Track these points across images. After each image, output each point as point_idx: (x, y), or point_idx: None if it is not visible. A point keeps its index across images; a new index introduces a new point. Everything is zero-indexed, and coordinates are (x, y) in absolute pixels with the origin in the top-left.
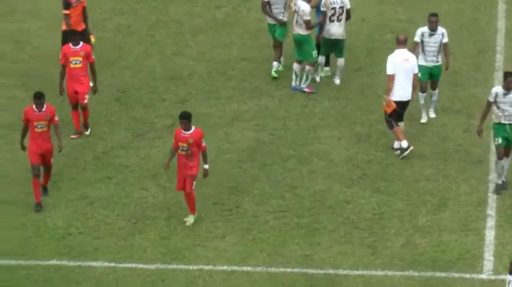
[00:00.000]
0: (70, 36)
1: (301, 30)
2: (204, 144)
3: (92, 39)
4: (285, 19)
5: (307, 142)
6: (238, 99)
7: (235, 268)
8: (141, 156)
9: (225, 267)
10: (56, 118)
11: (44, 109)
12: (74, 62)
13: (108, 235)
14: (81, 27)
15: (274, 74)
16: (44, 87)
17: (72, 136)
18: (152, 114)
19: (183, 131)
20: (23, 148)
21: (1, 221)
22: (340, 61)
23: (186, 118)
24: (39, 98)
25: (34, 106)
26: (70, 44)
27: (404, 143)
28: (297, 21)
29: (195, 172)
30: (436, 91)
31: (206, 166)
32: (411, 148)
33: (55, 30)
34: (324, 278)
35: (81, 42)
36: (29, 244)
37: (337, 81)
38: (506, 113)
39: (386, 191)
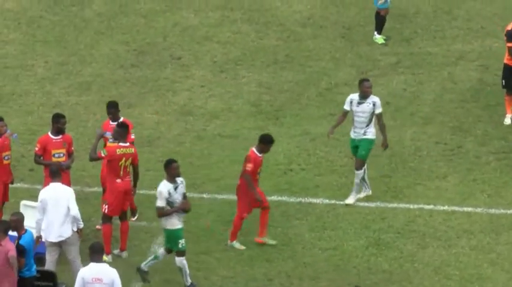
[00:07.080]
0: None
1: None
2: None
3: None
4: None
5: None
6: (463, 39)
7: (456, 208)
8: None
9: (445, 207)
10: None
11: None
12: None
13: (330, 172)
14: None
15: None
16: None
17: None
18: (377, 52)
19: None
20: None
21: (223, 155)
22: None
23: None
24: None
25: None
26: None
27: None
28: None
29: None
30: None
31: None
32: None
33: None
34: None
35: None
36: None
37: None
38: None
39: None
